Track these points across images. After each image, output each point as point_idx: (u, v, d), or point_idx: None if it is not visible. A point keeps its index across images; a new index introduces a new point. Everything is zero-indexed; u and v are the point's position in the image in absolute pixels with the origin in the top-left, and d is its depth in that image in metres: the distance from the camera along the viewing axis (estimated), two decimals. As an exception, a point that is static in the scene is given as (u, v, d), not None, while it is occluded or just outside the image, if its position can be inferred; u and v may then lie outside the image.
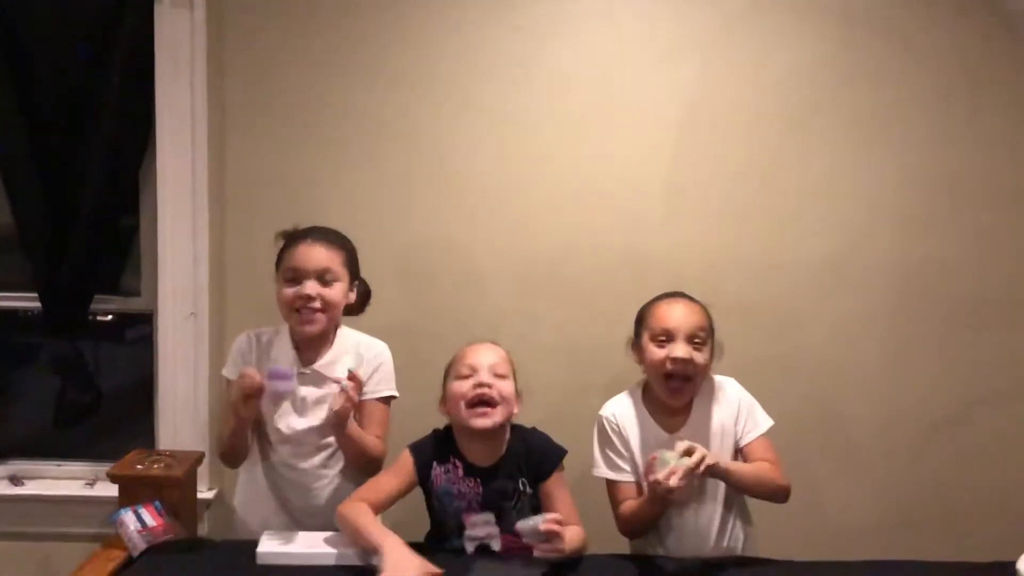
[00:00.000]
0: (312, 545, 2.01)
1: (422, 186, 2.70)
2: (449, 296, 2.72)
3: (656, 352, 2.11)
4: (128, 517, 2.11)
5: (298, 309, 2.11)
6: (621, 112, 2.67)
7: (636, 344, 2.20)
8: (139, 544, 2.06)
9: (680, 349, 2.07)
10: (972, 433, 2.76)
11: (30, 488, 2.78)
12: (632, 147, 2.68)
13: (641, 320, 2.20)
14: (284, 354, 2.18)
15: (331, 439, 2.17)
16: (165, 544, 2.08)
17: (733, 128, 2.67)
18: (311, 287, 2.10)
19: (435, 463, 2.10)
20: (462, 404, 2.05)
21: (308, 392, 2.17)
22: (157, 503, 2.20)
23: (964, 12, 2.62)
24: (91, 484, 2.77)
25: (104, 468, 2.59)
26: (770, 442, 2.14)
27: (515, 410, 2.10)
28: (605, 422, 2.18)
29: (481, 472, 2.08)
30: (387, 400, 2.24)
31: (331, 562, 1.96)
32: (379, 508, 2.03)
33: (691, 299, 2.17)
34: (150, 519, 2.14)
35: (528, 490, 2.09)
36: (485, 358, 2.10)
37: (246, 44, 2.65)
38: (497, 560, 1.95)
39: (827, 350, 2.74)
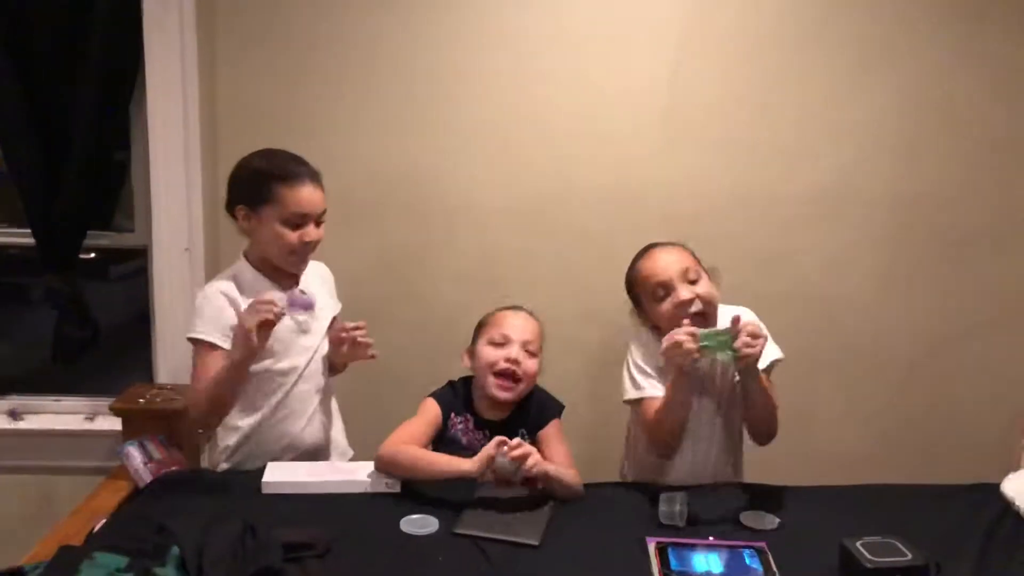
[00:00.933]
0: (316, 474, 2.05)
1: (416, 116, 2.68)
2: (442, 229, 2.73)
3: (663, 307, 2.10)
4: (134, 449, 2.15)
5: (298, 252, 2.10)
6: (617, 42, 2.65)
7: (637, 309, 2.21)
8: (145, 476, 2.10)
9: (683, 292, 2.07)
10: (961, 360, 2.82)
11: (30, 423, 2.80)
12: (628, 77, 2.66)
13: (632, 285, 2.21)
14: (261, 290, 2.08)
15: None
16: (170, 475, 2.11)
17: (730, 58, 2.66)
18: (314, 232, 2.09)
19: (452, 413, 2.17)
20: (489, 371, 2.12)
21: (306, 314, 2.17)
22: (161, 436, 2.23)
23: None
24: (91, 418, 2.80)
25: (103, 403, 2.62)
26: (769, 378, 2.14)
27: (535, 378, 2.16)
28: (634, 348, 2.19)
29: (490, 425, 2.15)
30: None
31: (335, 490, 1.99)
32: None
33: (665, 243, 2.18)
34: (156, 452, 2.17)
35: (527, 438, 2.13)
36: (520, 332, 2.15)
37: (235, -28, 2.60)
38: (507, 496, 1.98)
39: (821, 281, 2.77)
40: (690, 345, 1.90)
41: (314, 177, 2.09)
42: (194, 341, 2.06)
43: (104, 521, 1.83)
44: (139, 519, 1.80)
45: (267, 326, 1.91)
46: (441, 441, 2.15)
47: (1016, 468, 2.30)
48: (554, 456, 2.08)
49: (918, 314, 2.79)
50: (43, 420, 2.81)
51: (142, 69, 2.57)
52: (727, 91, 2.67)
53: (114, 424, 2.41)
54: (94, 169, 2.59)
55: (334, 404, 2.33)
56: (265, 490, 1.99)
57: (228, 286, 2.10)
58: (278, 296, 2.01)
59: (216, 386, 1.98)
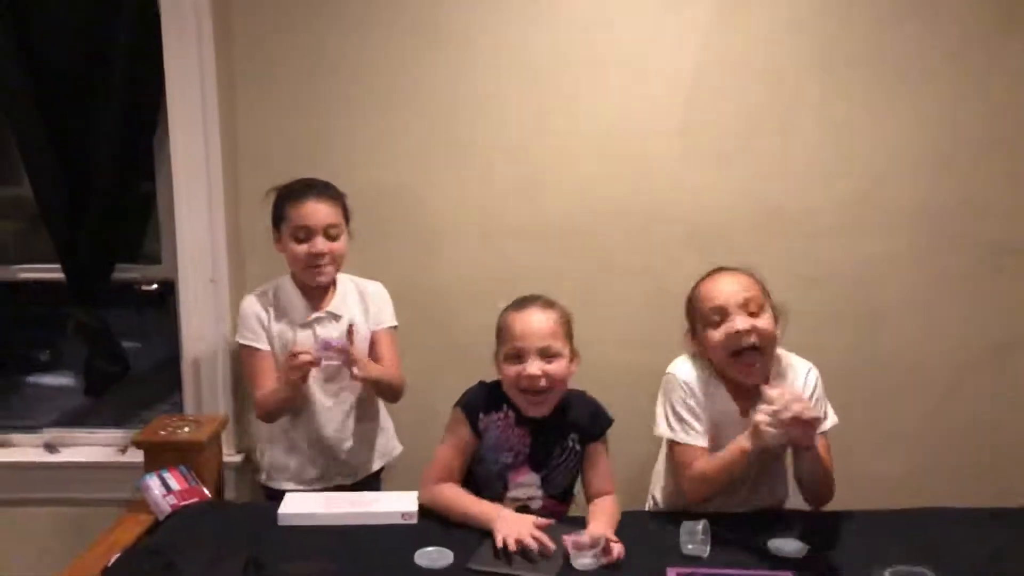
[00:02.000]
0: (332, 506, 2.04)
1: (437, 143, 2.67)
2: (463, 251, 2.71)
3: (719, 335, 1.99)
4: (153, 481, 2.15)
5: (310, 265, 2.26)
6: (635, 58, 2.61)
7: (694, 335, 2.09)
8: (164, 508, 2.10)
9: (739, 322, 1.96)
10: (999, 377, 2.72)
11: (65, 455, 2.83)
12: (647, 93, 2.63)
13: (691, 307, 2.09)
14: (295, 306, 2.33)
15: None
16: (190, 507, 2.11)
17: (748, 72, 2.61)
18: (322, 244, 2.24)
19: (482, 413, 2.06)
20: (514, 388, 2.02)
21: (328, 332, 2.30)
22: (182, 467, 2.24)
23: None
24: (123, 451, 2.82)
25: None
26: (828, 441, 2.06)
27: (570, 376, 2.06)
28: (679, 384, 2.06)
29: (532, 423, 2.06)
30: (393, 329, 2.42)
31: (351, 522, 1.98)
32: (457, 480, 2.06)
33: (734, 269, 2.07)
34: (175, 483, 2.17)
35: (577, 447, 2.08)
36: (534, 338, 1.99)
37: (254, 6, 2.62)
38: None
39: (850, 296, 2.70)
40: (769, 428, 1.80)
41: (321, 193, 2.26)
42: (239, 345, 2.36)
43: (118, 556, 1.84)
44: (150, 554, 1.80)
45: (305, 372, 2.17)
46: (480, 444, 2.07)
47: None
48: (599, 473, 2.08)
49: (953, 330, 2.70)
50: (77, 452, 2.84)
51: (164, 103, 2.60)
52: (747, 109, 2.62)
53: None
54: (118, 203, 2.63)
55: (380, 410, 2.46)
56: (281, 522, 1.98)
57: (265, 294, 2.36)
58: (310, 343, 2.24)
59: (273, 403, 2.28)
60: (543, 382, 1.98)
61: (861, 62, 2.59)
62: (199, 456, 2.29)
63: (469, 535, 1.90)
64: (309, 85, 2.65)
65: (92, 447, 2.87)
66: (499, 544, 1.82)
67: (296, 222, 2.24)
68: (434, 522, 1.98)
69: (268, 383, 2.29)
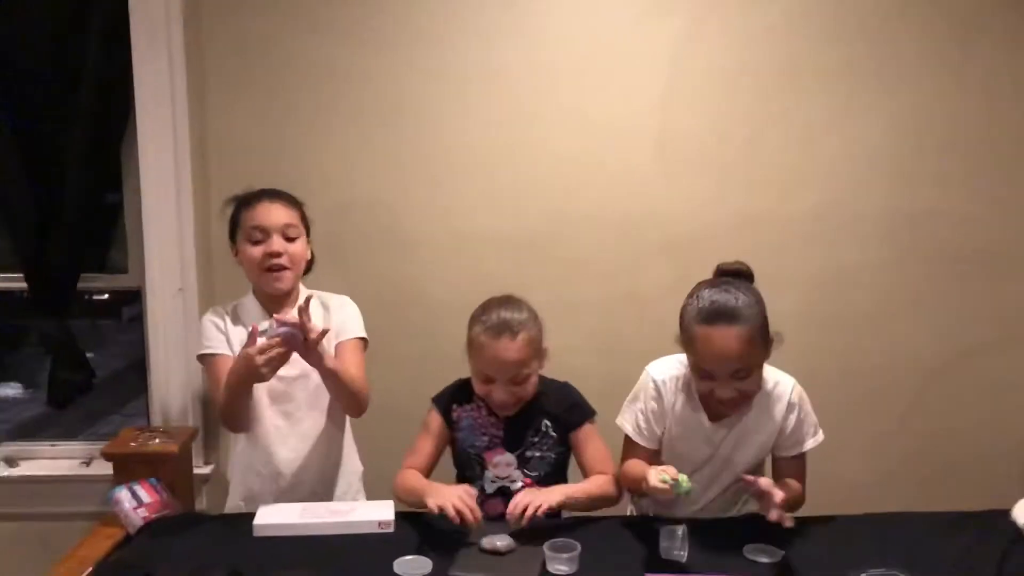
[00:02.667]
0: (308, 515, 2.02)
1: (409, 151, 2.67)
2: (437, 261, 2.71)
3: (701, 384, 1.95)
4: (123, 494, 2.11)
5: (267, 268, 2.16)
6: (608, 68, 2.64)
7: (683, 348, 1.99)
8: (135, 521, 2.07)
9: (725, 391, 1.89)
10: (966, 384, 2.77)
11: (26, 469, 2.78)
12: (620, 103, 2.65)
13: (682, 330, 1.95)
14: (253, 315, 2.20)
15: (317, 383, 2.18)
16: (162, 520, 2.08)
17: (721, 82, 2.64)
18: (278, 243, 2.15)
19: (455, 404, 2.14)
20: (486, 399, 2.11)
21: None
22: (153, 479, 2.21)
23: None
24: (87, 463, 2.77)
25: (99, 447, 2.59)
26: (805, 459, 2.07)
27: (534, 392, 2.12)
28: (652, 388, 2.05)
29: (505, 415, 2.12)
30: (360, 341, 2.27)
31: (327, 532, 1.96)
32: (427, 470, 2.13)
33: (729, 317, 1.86)
34: (146, 495, 2.14)
35: (552, 432, 2.12)
36: (503, 370, 2.02)
37: (224, 14, 2.61)
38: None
39: (818, 304, 2.74)
40: (666, 489, 1.80)
41: (274, 195, 2.19)
42: (201, 358, 2.22)
43: (89, 571, 1.80)
44: (125, 568, 1.77)
45: (276, 360, 1.98)
46: (455, 432, 2.15)
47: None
48: (589, 458, 2.10)
49: (921, 336, 2.75)
50: (38, 466, 2.79)
51: (133, 112, 2.57)
52: (720, 117, 2.66)
53: (110, 469, 2.37)
54: (86, 212, 2.60)
55: (345, 437, 2.33)
56: (257, 533, 1.96)
57: (227, 307, 2.26)
58: (263, 325, 2.08)
59: (228, 398, 2.09)
60: (512, 402, 2.07)
61: (829, 73, 2.64)
62: (170, 468, 2.26)
63: (447, 543, 1.89)
64: (281, 94, 2.63)
65: (53, 460, 2.82)
66: (434, 511, 1.88)
67: (250, 223, 2.15)
68: (413, 531, 1.97)
69: None
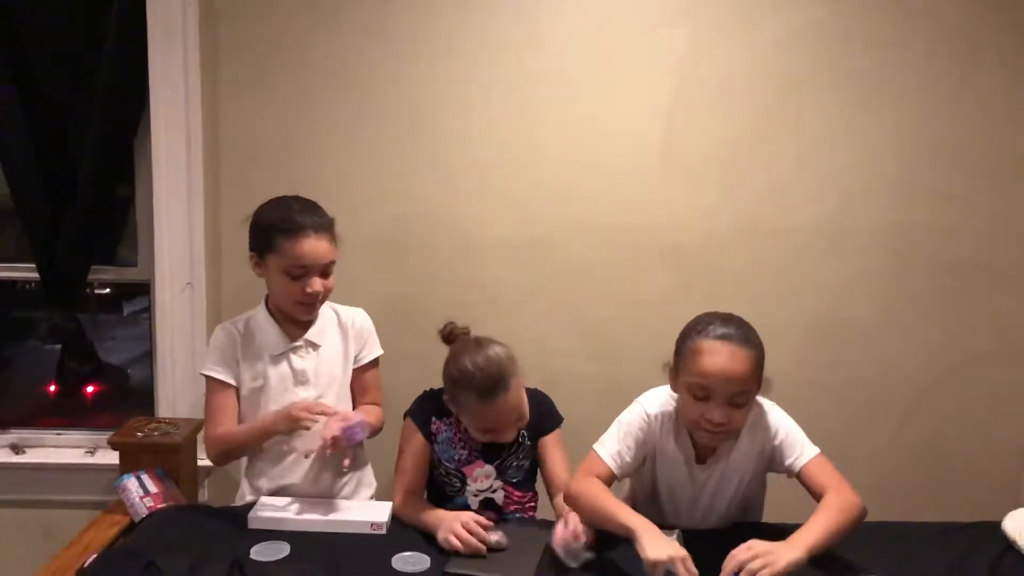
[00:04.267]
0: (303, 511, 2.04)
1: (416, 155, 2.70)
2: (444, 266, 2.73)
3: (691, 406, 1.90)
4: (131, 483, 2.15)
5: (301, 302, 2.11)
6: (615, 79, 2.67)
7: (673, 374, 1.97)
8: (141, 509, 2.10)
9: (717, 413, 1.85)
10: (961, 396, 2.79)
11: (31, 456, 2.81)
12: (626, 114, 2.68)
13: (680, 353, 1.93)
14: (270, 336, 2.16)
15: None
16: (166, 509, 2.11)
17: (725, 95, 2.67)
18: (318, 284, 2.08)
19: (434, 418, 2.14)
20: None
21: (305, 364, 2.18)
22: (158, 469, 2.24)
23: (957, -24, 2.62)
24: (91, 452, 2.80)
25: (104, 437, 2.63)
26: (826, 460, 1.99)
27: None
28: (643, 420, 2.01)
29: None
30: (376, 360, 2.29)
31: (320, 528, 1.99)
32: (421, 489, 2.15)
33: (740, 339, 1.86)
34: (152, 485, 2.17)
35: (527, 441, 2.15)
36: (506, 421, 2.03)
37: (239, 13, 2.64)
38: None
39: (818, 314, 2.76)
40: None
41: (319, 228, 2.07)
42: (205, 376, 2.16)
43: (94, 556, 1.83)
44: (129, 555, 1.80)
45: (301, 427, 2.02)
46: (433, 446, 2.14)
47: (1022, 504, 2.27)
48: (554, 465, 2.14)
49: (920, 346, 2.78)
50: (44, 454, 2.82)
51: (146, 106, 2.61)
52: (724, 129, 2.68)
53: (115, 458, 2.40)
54: (98, 205, 2.62)
55: (362, 459, 2.31)
56: (251, 525, 1.98)
57: (239, 323, 2.18)
58: (286, 376, 2.14)
59: (235, 441, 2.11)
60: (516, 432, 2.09)
61: (831, 88, 2.66)
62: (175, 459, 2.29)
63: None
64: (293, 93, 2.66)
65: (60, 448, 2.85)
66: (446, 547, 1.88)
67: (292, 260, 2.05)
68: (410, 528, 2.01)
69: (225, 421, 2.12)
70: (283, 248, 2.05)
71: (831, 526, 1.79)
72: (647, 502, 2.09)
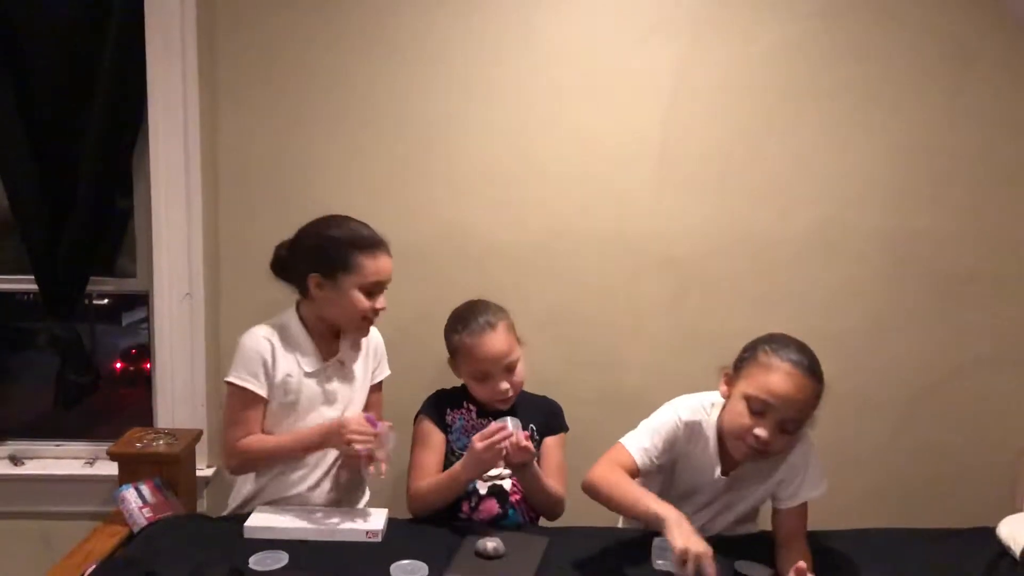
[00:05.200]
0: (299, 520, 2.05)
1: (413, 164, 2.71)
2: (439, 273, 2.74)
3: (743, 416, 1.89)
4: (130, 493, 2.15)
5: (368, 319, 2.15)
6: (611, 88, 2.68)
7: (731, 380, 1.97)
8: (140, 520, 2.11)
9: (767, 432, 1.86)
10: (956, 401, 2.80)
11: (30, 468, 2.81)
12: (622, 123, 2.69)
13: (747, 363, 1.93)
14: (305, 351, 2.16)
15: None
16: (165, 520, 2.11)
17: (721, 103, 2.68)
18: (383, 300, 2.15)
19: (449, 409, 2.25)
20: (485, 399, 2.22)
21: (335, 386, 2.20)
22: (157, 480, 2.25)
23: (950, -13, 2.64)
24: (90, 463, 2.81)
25: (103, 447, 2.64)
26: (806, 512, 2.03)
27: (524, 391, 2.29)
28: (676, 424, 2.00)
29: (493, 414, 2.22)
30: (381, 381, 2.36)
31: (316, 537, 1.99)
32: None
33: (810, 370, 1.88)
34: (150, 495, 2.18)
35: (536, 435, 2.22)
36: (497, 359, 2.16)
37: (238, 24, 2.65)
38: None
39: (813, 321, 2.75)
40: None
41: (387, 248, 2.15)
42: (229, 384, 2.12)
43: (94, 567, 1.84)
44: (129, 565, 1.81)
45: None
46: (448, 434, 2.24)
47: (1017, 510, 2.28)
48: (551, 464, 2.21)
49: (915, 352, 2.78)
50: (43, 465, 2.82)
51: (145, 117, 2.62)
52: (720, 136, 2.70)
53: (114, 469, 2.41)
54: (97, 217, 2.64)
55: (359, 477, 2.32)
56: (247, 534, 1.99)
57: (272, 333, 2.15)
58: (316, 394, 2.16)
59: (264, 455, 2.13)
60: (511, 392, 2.20)
61: (827, 95, 2.67)
62: (174, 469, 2.30)
63: (442, 548, 1.93)
64: (292, 104, 2.67)
65: (58, 459, 2.85)
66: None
67: (372, 276, 2.09)
68: (408, 537, 2.02)
69: (251, 430, 2.12)
70: (363, 265, 2.08)
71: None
72: (671, 499, 2.04)
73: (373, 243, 2.11)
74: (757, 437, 1.85)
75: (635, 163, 2.71)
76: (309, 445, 2.11)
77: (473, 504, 2.17)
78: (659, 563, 1.86)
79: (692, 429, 2.00)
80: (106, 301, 2.94)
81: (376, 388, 2.33)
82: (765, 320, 2.70)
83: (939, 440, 2.82)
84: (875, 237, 2.74)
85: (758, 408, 1.86)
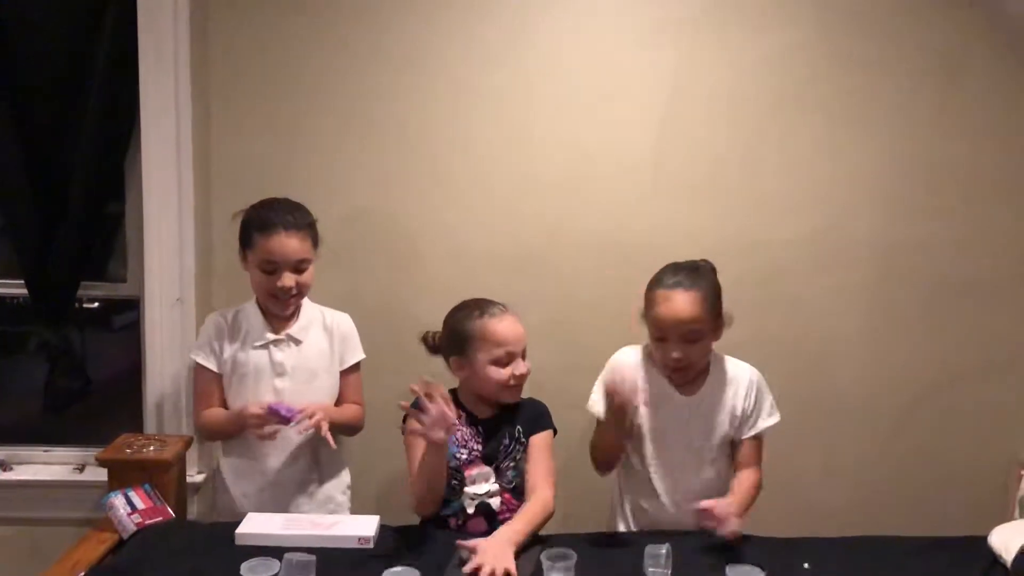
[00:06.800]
0: (291, 527, 2.04)
1: (410, 169, 2.71)
2: (434, 278, 2.74)
3: (656, 347, 2.17)
4: (118, 500, 2.14)
5: (275, 295, 2.25)
6: (606, 95, 2.69)
7: (644, 323, 2.21)
8: (129, 527, 2.09)
9: (674, 350, 2.11)
10: (949, 409, 2.81)
11: (18, 473, 2.79)
12: (617, 129, 2.70)
13: (646, 301, 2.19)
14: (254, 327, 2.30)
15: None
16: (155, 526, 2.10)
17: (715, 111, 2.70)
18: (288, 279, 2.22)
19: None
20: (501, 387, 2.17)
21: (285, 357, 2.30)
22: (147, 486, 2.23)
23: (941, -2, 2.66)
24: (79, 469, 2.79)
25: (92, 453, 2.62)
26: (762, 442, 2.24)
27: None
28: (612, 364, 2.24)
29: (483, 422, 2.20)
30: (358, 364, 2.41)
31: (307, 544, 1.96)
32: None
33: (688, 285, 2.12)
34: (140, 502, 2.16)
35: (522, 439, 2.20)
36: (517, 342, 2.17)
37: (230, 31, 2.65)
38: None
39: (808, 329, 2.78)
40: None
41: (290, 226, 2.21)
42: (194, 360, 2.34)
43: (82, 575, 1.83)
44: (117, 573, 1.80)
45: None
46: None
47: (1009, 519, 2.29)
48: (536, 466, 2.17)
49: (907, 360, 2.79)
50: (32, 470, 2.80)
51: (138, 123, 2.61)
52: (715, 144, 2.71)
53: (103, 475, 2.40)
54: (89, 222, 2.63)
55: (338, 456, 2.38)
56: (238, 541, 1.98)
57: (229, 312, 2.35)
58: (264, 365, 2.28)
59: (214, 429, 2.33)
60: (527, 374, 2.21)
61: (822, 104, 2.69)
62: (164, 476, 2.28)
63: (434, 555, 1.93)
64: (284, 109, 2.68)
65: (47, 465, 2.83)
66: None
67: (263, 254, 2.21)
68: (400, 544, 2.01)
69: (209, 404, 2.31)
70: (257, 244, 2.21)
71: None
72: (639, 454, 2.23)
73: (268, 223, 2.20)
74: (670, 358, 2.11)
75: (630, 171, 2.72)
76: (236, 423, 2.21)
77: (460, 522, 2.14)
78: (651, 571, 1.86)
79: (631, 358, 2.25)
80: (96, 305, 2.91)
81: (351, 370, 2.39)
82: (759, 327, 2.74)
83: (932, 448, 2.82)
84: (868, 245, 2.75)
85: (660, 336, 2.13)
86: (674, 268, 2.18)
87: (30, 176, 2.58)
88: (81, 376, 2.77)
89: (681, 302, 2.10)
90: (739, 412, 2.21)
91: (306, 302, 2.36)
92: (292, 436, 2.25)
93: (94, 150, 2.57)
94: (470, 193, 2.73)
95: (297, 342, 2.31)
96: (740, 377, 2.23)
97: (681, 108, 2.70)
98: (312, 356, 2.32)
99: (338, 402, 2.37)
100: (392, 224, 2.74)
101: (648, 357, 2.25)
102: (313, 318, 2.36)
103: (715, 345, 2.25)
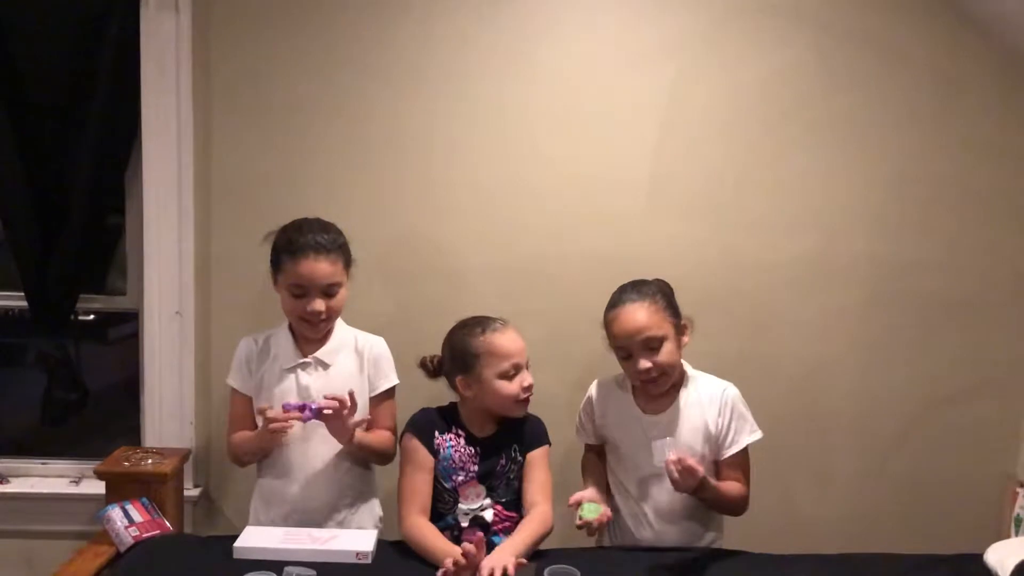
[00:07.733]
0: (288, 541, 2.04)
1: (407, 184, 2.72)
2: (433, 293, 2.74)
3: (625, 367, 2.20)
4: (115, 513, 2.14)
5: (305, 319, 2.19)
6: (603, 113, 2.70)
7: (611, 346, 2.23)
8: (126, 540, 2.09)
9: (640, 363, 2.13)
10: (943, 428, 2.81)
11: (15, 486, 2.77)
12: (614, 147, 2.71)
13: (605, 329, 2.23)
14: (284, 349, 2.26)
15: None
16: (152, 540, 2.10)
17: (711, 130, 2.71)
18: (319, 303, 2.17)
19: (436, 432, 2.20)
20: (510, 402, 2.17)
21: (311, 380, 2.24)
22: (144, 499, 2.24)
23: (935, 17, 2.67)
24: (76, 482, 2.78)
25: (90, 466, 2.62)
26: (746, 460, 2.20)
27: None
28: (586, 398, 2.35)
29: (481, 441, 2.19)
30: (391, 390, 2.34)
31: (305, 558, 1.98)
32: (428, 507, 2.16)
33: (635, 297, 2.17)
34: (137, 515, 2.17)
35: (519, 457, 2.20)
36: (521, 353, 2.19)
37: (231, 46, 2.66)
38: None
39: (802, 347, 2.79)
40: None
41: (320, 249, 2.16)
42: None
43: (80, 587, 1.83)
44: (114, 585, 1.80)
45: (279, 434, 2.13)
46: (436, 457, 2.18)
47: (1004, 537, 2.30)
48: (535, 478, 2.18)
49: (900, 381, 2.80)
50: (29, 483, 2.79)
51: (139, 136, 2.63)
52: (709, 163, 2.72)
53: (100, 488, 2.40)
54: (89, 235, 2.63)
55: (368, 486, 2.35)
56: (236, 555, 1.98)
57: (261, 335, 2.31)
58: (291, 391, 2.23)
59: (241, 451, 2.25)
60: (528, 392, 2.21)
61: (817, 125, 2.71)
62: (161, 489, 2.29)
63: (431, 570, 1.93)
64: (284, 125, 2.68)
65: (44, 478, 2.82)
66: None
67: (292, 279, 2.16)
68: (397, 559, 2.01)
69: (240, 428, 2.26)
70: (286, 267, 2.16)
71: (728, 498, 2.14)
72: (616, 475, 2.29)
73: (297, 247, 2.15)
74: (638, 371, 2.13)
75: (626, 189, 2.73)
76: (260, 442, 2.17)
77: (455, 536, 2.13)
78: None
79: (604, 385, 2.33)
80: (91, 317, 2.91)
81: (383, 396, 2.31)
82: (754, 345, 2.75)
83: (927, 467, 2.83)
84: (863, 264, 2.76)
85: (624, 353, 2.16)
86: (620, 288, 2.24)
87: (31, 189, 2.59)
88: (79, 388, 2.77)
89: (631, 312, 2.14)
90: (713, 431, 2.18)
91: (339, 324, 2.31)
92: (318, 463, 2.22)
93: (95, 164, 2.58)
94: (467, 210, 2.73)
95: (325, 365, 2.26)
96: (712, 395, 2.21)
97: (678, 126, 2.71)
98: (340, 380, 2.23)
99: (369, 428, 2.27)
100: (389, 240, 2.74)
101: (617, 383, 2.30)
102: (344, 341, 2.30)
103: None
